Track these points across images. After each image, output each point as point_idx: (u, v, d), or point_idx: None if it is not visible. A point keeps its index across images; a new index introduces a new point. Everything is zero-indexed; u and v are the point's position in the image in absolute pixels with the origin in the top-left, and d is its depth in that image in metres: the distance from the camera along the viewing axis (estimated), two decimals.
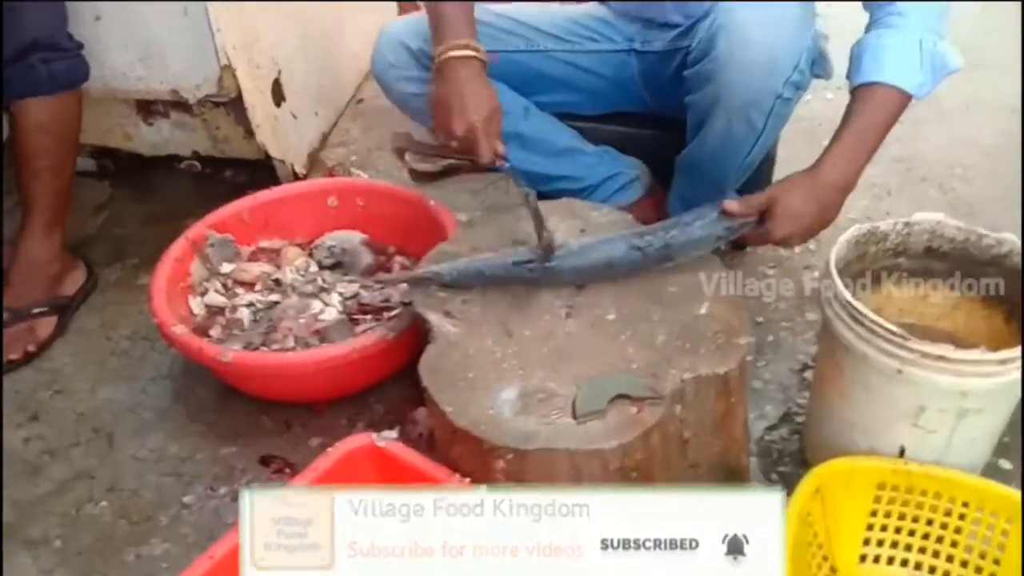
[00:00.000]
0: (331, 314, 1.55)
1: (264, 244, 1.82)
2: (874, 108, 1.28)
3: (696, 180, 1.58)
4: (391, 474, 1.24)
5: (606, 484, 1.14)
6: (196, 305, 1.67)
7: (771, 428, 1.46)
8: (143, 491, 1.46)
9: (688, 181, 1.61)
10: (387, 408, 1.55)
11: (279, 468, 1.45)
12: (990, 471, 1.35)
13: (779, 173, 1.81)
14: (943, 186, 1.99)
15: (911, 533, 1.22)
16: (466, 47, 1.34)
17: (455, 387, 1.20)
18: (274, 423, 1.55)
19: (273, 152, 2.08)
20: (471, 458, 1.18)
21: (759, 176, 1.75)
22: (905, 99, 1.29)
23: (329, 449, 1.25)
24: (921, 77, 1.27)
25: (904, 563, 1.23)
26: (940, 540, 1.21)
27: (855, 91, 1.30)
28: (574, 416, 1.14)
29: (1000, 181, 1.99)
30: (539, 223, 1.32)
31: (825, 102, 2.26)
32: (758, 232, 1.32)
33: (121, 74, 2.02)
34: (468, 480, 1.18)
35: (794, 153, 2.02)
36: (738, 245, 1.72)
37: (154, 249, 1.75)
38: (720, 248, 1.36)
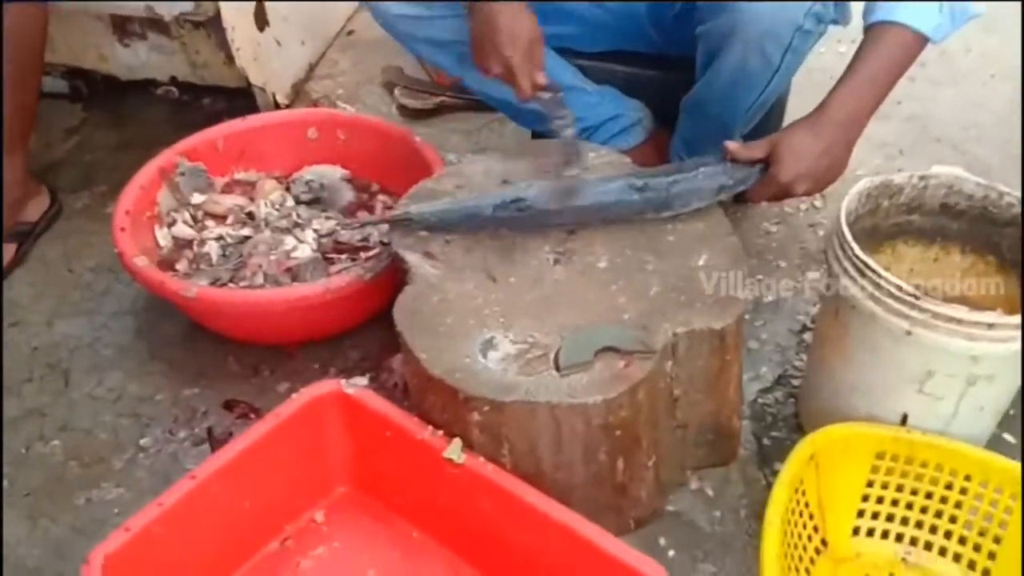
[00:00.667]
0: (305, 251, 1.46)
1: (239, 176, 1.72)
2: (887, 49, 1.21)
3: (702, 122, 1.48)
4: (359, 423, 1.17)
5: (587, 442, 1.07)
6: (163, 236, 1.57)
7: (765, 391, 1.39)
8: (97, 431, 1.38)
9: (693, 123, 1.51)
10: (362, 354, 1.46)
11: (243, 413, 1.37)
12: (993, 444, 1.28)
13: (791, 114, 1.71)
14: (957, 147, 1.90)
15: (908, 506, 1.15)
16: None
17: (432, 332, 1.12)
18: (241, 366, 1.46)
19: (254, 79, 1.97)
20: (445, 408, 1.10)
21: (767, 126, 1.65)
22: (921, 42, 1.21)
23: (294, 395, 1.17)
24: (939, 19, 1.20)
25: (899, 538, 1.16)
26: (939, 515, 1.14)
27: (868, 30, 1.23)
28: (557, 368, 1.06)
29: (1015, 147, 1.90)
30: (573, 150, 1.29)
31: (838, 55, 2.15)
32: (764, 180, 1.24)
33: None
34: (441, 432, 1.10)
35: (804, 106, 1.94)
36: (742, 198, 1.63)
37: (125, 177, 1.64)
38: (724, 200, 1.27)
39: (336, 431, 1.18)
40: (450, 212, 1.25)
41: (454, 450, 1.08)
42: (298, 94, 2.17)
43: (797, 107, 1.67)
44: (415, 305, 1.16)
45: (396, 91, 2.12)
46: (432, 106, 2.08)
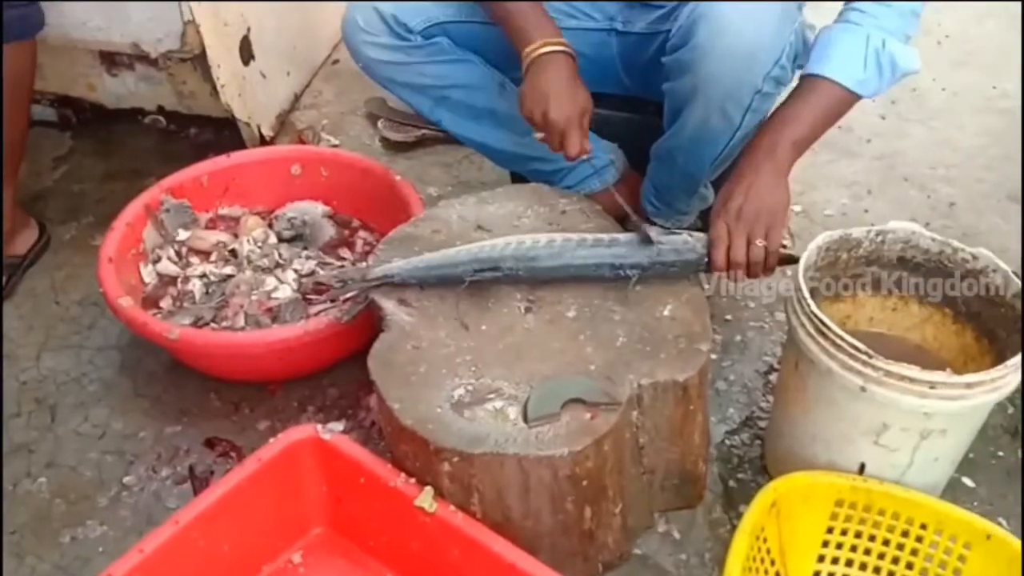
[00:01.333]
0: (285, 292, 1.50)
1: (223, 211, 1.76)
2: (815, 98, 1.27)
3: (671, 170, 1.52)
4: (334, 469, 1.20)
5: (554, 492, 1.11)
6: (148, 273, 1.61)
7: (732, 432, 1.43)
8: (83, 468, 1.41)
9: (662, 170, 1.55)
10: (340, 392, 1.50)
11: (224, 451, 1.40)
12: (953, 487, 1.32)
13: None
14: (924, 186, 1.95)
15: (867, 552, 1.20)
16: (560, 43, 1.36)
17: (404, 381, 1.16)
18: (223, 403, 1.49)
19: (238, 113, 2.00)
20: (417, 457, 1.13)
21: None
22: (847, 95, 1.27)
23: (272, 439, 1.21)
24: (863, 75, 1.26)
25: None
26: (896, 561, 1.19)
27: (801, 80, 1.30)
28: (525, 420, 1.10)
29: (981, 185, 1.95)
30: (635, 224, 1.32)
31: None
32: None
33: (80, 23, 1.91)
34: (414, 479, 1.14)
35: None
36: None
37: (112, 208, 1.68)
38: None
39: (312, 475, 1.21)
40: (427, 276, 1.27)
41: (425, 499, 1.12)
42: (283, 124, 2.20)
43: None
44: (389, 354, 1.19)
45: (379, 123, 2.16)
46: (414, 139, 2.12)
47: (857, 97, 1.28)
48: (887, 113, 2.12)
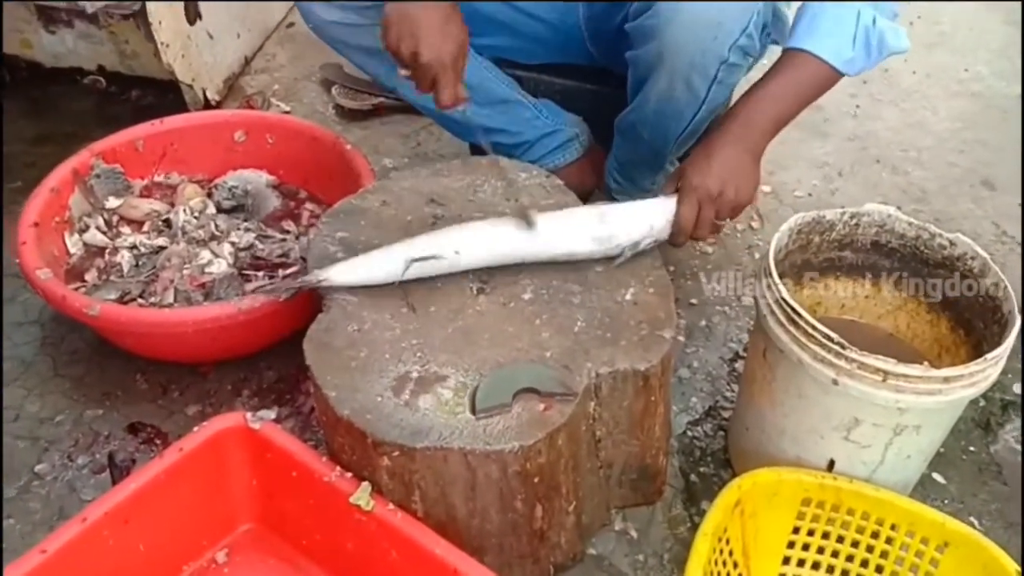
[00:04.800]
0: (220, 267, 1.38)
1: (159, 179, 1.64)
2: (795, 73, 1.21)
3: (635, 146, 1.44)
4: (264, 460, 1.11)
5: (503, 489, 1.02)
6: (73, 243, 1.49)
7: (695, 423, 1.36)
8: None
9: (626, 146, 1.47)
10: (279, 375, 1.40)
11: (149, 438, 1.30)
12: (923, 483, 1.26)
13: None
14: (896, 168, 1.88)
15: (835, 554, 1.13)
16: None
17: (343, 367, 1.06)
18: (150, 385, 1.38)
19: (181, 74, 1.88)
20: (354, 450, 1.04)
21: None
22: (830, 73, 1.21)
23: (196, 428, 1.11)
24: (851, 53, 1.19)
25: None
26: (864, 564, 1.12)
27: (783, 53, 1.23)
28: (473, 411, 1.01)
29: (953, 169, 1.90)
30: (514, 195, 1.23)
31: None
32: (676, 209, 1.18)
33: None
34: (350, 474, 1.05)
35: None
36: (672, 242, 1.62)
37: (43, 173, 1.55)
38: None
39: (240, 467, 1.12)
40: (368, 278, 1.14)
41: (362, 496, 1.02)
42: (231, 89, 2.09)
43: None
44: (327, 336, 1.09)
45: (333, 90, 2.05)
46: (369, 107, 2.01)
47: (840, 76, 1.21)
48: (859, 93, 2.06)
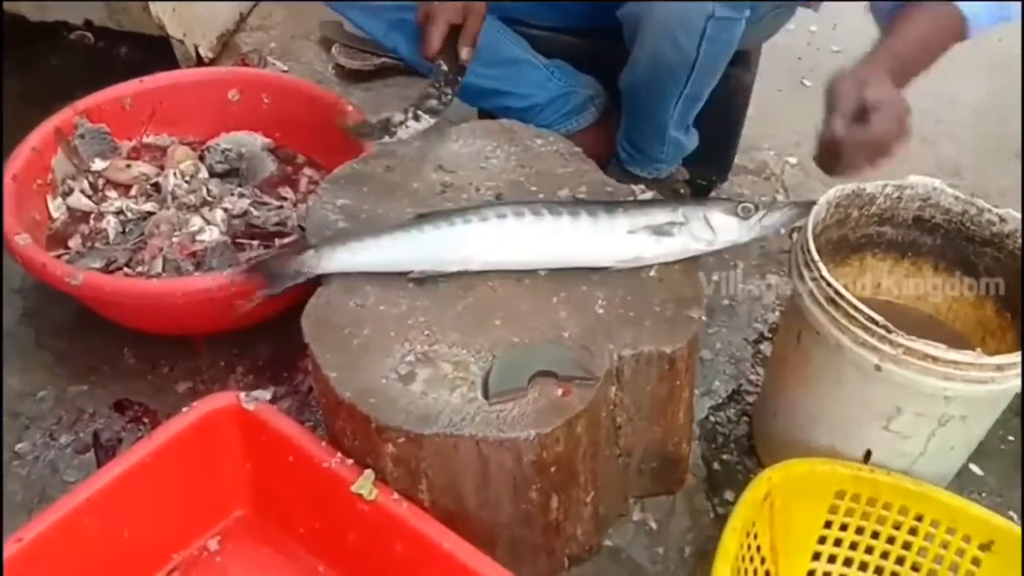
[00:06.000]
0: (212, 234, 1.30)
1: (148, 140, 1.55)
2: (923, 24, 1.07)
3: (635, 110, 1.36)
4: (259, 444, 1.03)
5: (516, 479, 0.94)
6: (56, 207, 1.40)
7: (717, 408, 1.28)
8: None
9: (630, 113, 1.39)
10: (275, 352, 1.32)
11: (136, 416, 1.22)
12: (959, 475, 1.19)
13: (755, 111, 1.59)
14: (929, 141, 1.79)
15: (868, 551, 1.06)
16: None
17: (344, 346, 0.98)
18: (138, 360, 1.31)
19: (171, 29, 1.79)
20: (356, 435, 0.96)
21: (727, 118, 1.53)
22: (959, 25, 1.07)
23: (186, 408, 1.03)
24: (980, 7, 1.07)
25: None
26: (901, 561, 1.05)
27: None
28: (485, 395, 0.93)
29: (987, 142, 1.81)
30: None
31: (809, 35, 2.03)
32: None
33: None
34: (352, 461, 0.97)
35: (771, 86, 1.82)
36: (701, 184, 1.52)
37: (24, 133, 1.46)
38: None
39: (233, 450, 1.04)
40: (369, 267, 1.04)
41: (364, 484, 0.95)
42: (225, 46, 1.99)
43: (765, 87, 1.56)
44: (327, 312, 1.01)
45: (333, 49, 1.95)
46: (372, 67, 1.92)
47: (962, 30, 1.08)
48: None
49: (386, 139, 1.19)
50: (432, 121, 1.20)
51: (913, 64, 1.06)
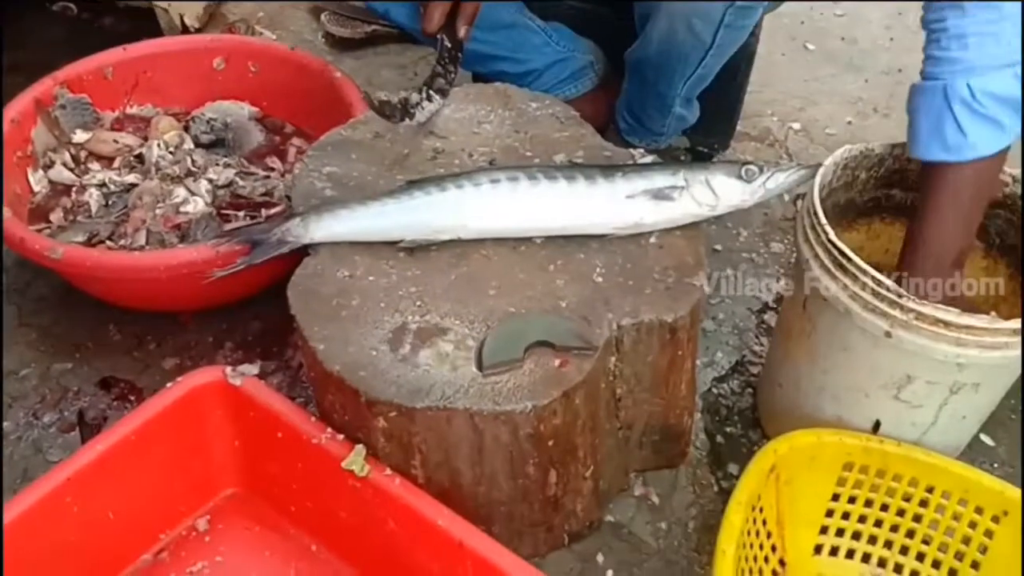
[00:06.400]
0: (197, 206, 1.25)
1: (132, 111, 1.50)
2: (931, 184, 0.98)
3: (641, 85, 1.32)
4: (247, 420, 0.99)
5: (513, 453, 0.91)
6: (37, 180, 1.36)
7: (720, 379, 1.24)
8: None
9: (634, 83, 1.35)
10: (265, 326, 1.28)
11: (122, 394, 1.18)
12: (969, 445, 1.15)
13: (757, 76, 1.55)
14: None
15: (878, 524, 1.02)
16: None
17: (333, 317, 0.94)
18: (124, 336, 1.27)
19: None
20: (347, 409, 0.93)
21: (729, 85, 1.48)
22: (958, 167, 0.96)
23: (170, 384, 0.99)
24: (954, 141, 0.94)
25: (866, 558, 1.03)
26: (911, 534, 1.02)
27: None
28: (479, 367, 0.89)
29: None
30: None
31: None
32: None
33: None
34: (342, 436, 0.93)
35: (772, 54, 1.77)
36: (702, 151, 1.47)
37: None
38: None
39: (220, 427, 1.00)
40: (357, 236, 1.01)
41: (355, 460, 0.91)
42: (212, 16, 1.93)
43: (768, 52, 1.51)
44: (315, 283, 0.97)
45: (323, 17, 1.90)
46: (363, 35, 1.87)
47: (976, 162, 0.95)
48: (893, 24, 1.90)
49: (407, 122, 1.14)
50: (442, 101, 1.15)
51: (941, 225, 0.98)
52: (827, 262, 0.96)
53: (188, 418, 0.99)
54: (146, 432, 0.96)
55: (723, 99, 1.50)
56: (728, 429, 1.19)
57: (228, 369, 0.99)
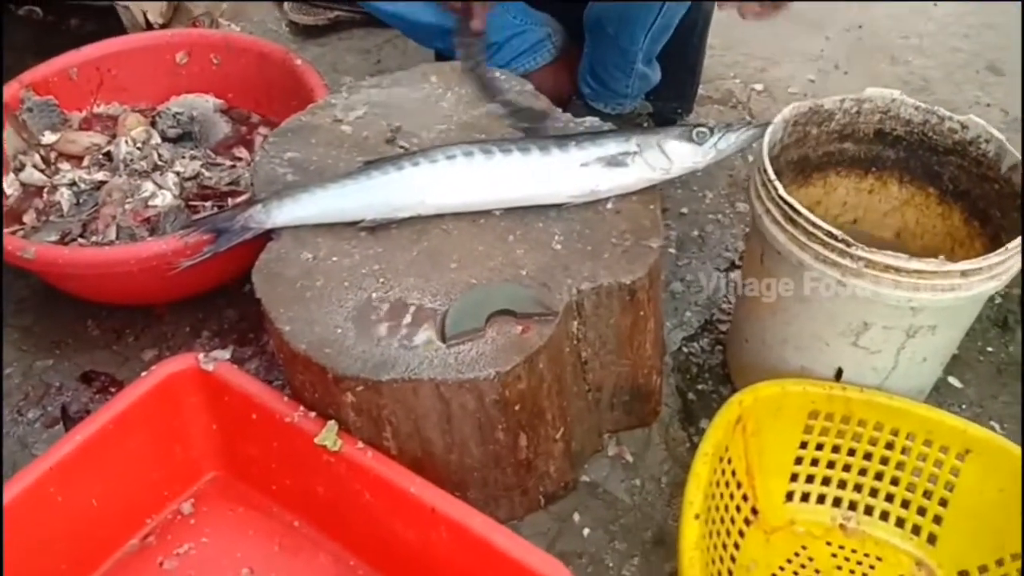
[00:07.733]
0: (165, 199, 1.27)
1: (99, 110, 1.51)
2: None
3: (601, 43, 1.33)
4: (222, 404, 1.01)
5: (481, 420, 0.93)
6: (9, 184, 1.37)
7: (690, 339, 1.26)
8: None
9: (595, 43, 1.35)
10: (240, 313, 1.30)
11: (103, 387, 1.20)
12: (938, 388, 1.18)
13: (717, 39, 1.56)
14: (896, 58, 1.76)
15: (846, 468, 1.05)
16: None
17: (298, 299, 0.96)
18: (102, 331, 1.29)
19: None
20: (316, 387, 0.95)
21: (687, 42, 1.49)
22: None
23: (145, 373, 1.01)
24: None
25: (837, 502, 1.06)
26: (879, 477, 1.04)
27: None
28: (443, 338, 0.91)
29: (957, 55, 1.77)
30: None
31: None
32: None
33: None
34: (315, 413, 0.96)
35: (732, 13, 1.77)
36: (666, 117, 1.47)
37: None
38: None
39: (197, 412, 1.02)
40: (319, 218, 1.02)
41: (328, 436, 0.93)
42: (175, 11, 1.93)
43: (727, 18, 1.51)
44: (279, 266, 0.99)
45: (286, 5, 1.90)
46: (326, 21, 1.88)
47: None
48: None
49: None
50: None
51: None
52: (778, 216, 0.98)
53: (164, 405, 1.01)
54: (124, 421, 0.98)
55: (683, 60, 1.51)
56: (699, 387, 1.21)
57: (201, 355, 1.01)
